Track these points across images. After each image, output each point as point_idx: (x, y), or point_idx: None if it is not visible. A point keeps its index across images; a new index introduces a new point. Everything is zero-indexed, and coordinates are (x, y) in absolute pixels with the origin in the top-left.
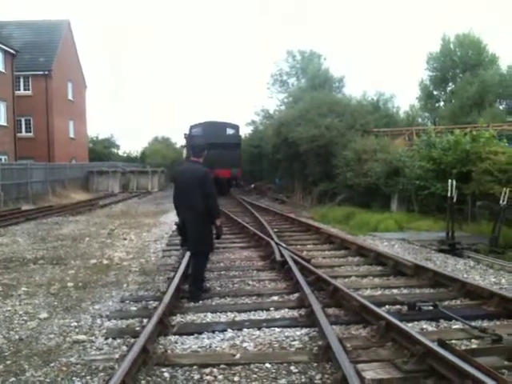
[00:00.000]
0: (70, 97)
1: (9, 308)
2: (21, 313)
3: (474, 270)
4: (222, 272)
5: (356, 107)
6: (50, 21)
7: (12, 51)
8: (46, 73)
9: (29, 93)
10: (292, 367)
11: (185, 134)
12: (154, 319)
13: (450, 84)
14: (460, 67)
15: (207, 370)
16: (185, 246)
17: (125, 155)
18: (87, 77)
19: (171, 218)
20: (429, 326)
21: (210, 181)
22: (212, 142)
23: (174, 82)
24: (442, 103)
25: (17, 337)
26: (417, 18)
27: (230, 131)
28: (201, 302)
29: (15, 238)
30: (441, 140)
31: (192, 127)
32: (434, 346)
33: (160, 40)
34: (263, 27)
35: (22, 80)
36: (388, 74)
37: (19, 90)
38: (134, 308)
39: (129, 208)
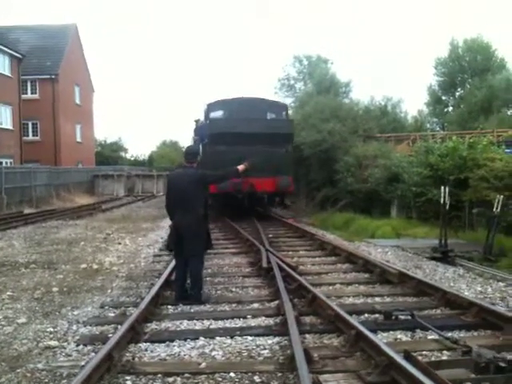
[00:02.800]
0: (77, 101)
1: None
2: (0, 317)
3: (461, 279)
4: (208, 278)
5: (358, 112)
6: (57, 25)
7: (18, 55)
8: (53, 77)
9: (36, 96)
10: (256, 377)
11: (196, 121)
12: (125, 326)
13: (459, 89)
14: (468, 72)
15: (171, 379)
16: (173, 249)
17: (132, 159)
18: (95, 81)
19: (170, 223)
20: (403, 336)
21: (209, 173)
22: (243, 131)
23: (183, 87)
24: (450, 108)
25: None
26: (425, 22)
27: (272, 114)
28: (179, 308)
29: (11, 241)
30: (439, 146)
31: (210, 107)
32: (397, 358)
33: (169, 44)
34: (270, 32)
35: (29, 84)
36: (396, 78)
37: (26, 93)
38: (112, 314)
39: (130, 212)
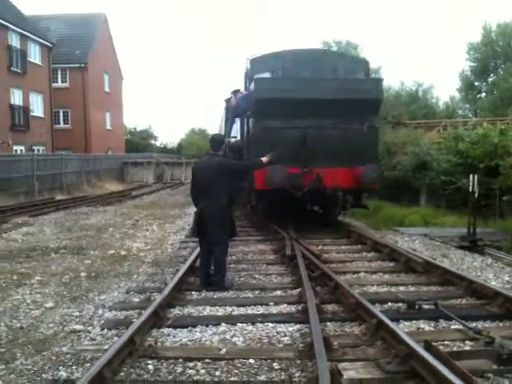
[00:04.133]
0: (106, 89)
1: (18, 296)
2: (29, 301)
3: (489, 268)
4: (232, 265)
5: (388, 98)
6: (86, 14)
7: (49, 44)
8: (82, 65)
9: (66, 85)
10: (275, 364)
11: (232, 95)
12: (148, 311)
13: (492, 75)
14: (502, 57)
15: (191, 364)
16: (196, 236)
17: (162, 146)
18: (125, 69)
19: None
20: (426, 326)
21: (233, 162)
22: (306, 97)
23: (211, 76)
24: (483, 94)
25: (18, 325)
26: (457, 6)
27: (346, 73)
28: (203, 294)
29: (42, 227)
30: (469, 133)
31: (254, 64)
32: (417, 347)
33: (199, 33)
34: (297, 15)
35: (59, 72)
36: (428, 64)
37: (57, 82)
38: (137, 299)
39: (159, 199)
